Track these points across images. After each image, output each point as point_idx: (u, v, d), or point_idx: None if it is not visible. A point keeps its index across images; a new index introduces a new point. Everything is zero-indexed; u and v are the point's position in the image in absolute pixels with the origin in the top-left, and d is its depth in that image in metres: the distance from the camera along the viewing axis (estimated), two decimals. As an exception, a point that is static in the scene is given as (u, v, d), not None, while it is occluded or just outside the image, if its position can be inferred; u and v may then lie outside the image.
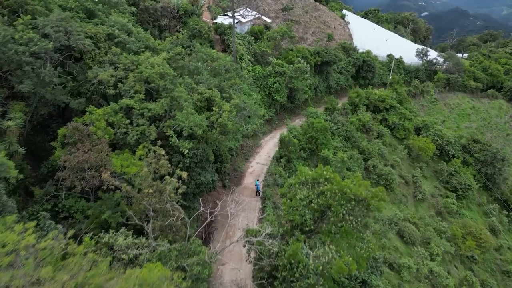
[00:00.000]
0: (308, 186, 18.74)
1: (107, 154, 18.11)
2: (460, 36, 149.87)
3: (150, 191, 16.42)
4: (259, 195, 32.50)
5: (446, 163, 55.53)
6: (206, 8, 56.13)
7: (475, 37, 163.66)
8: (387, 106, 57.10)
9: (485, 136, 63.70)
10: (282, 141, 39.55)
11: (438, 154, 56.68)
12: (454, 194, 52.30)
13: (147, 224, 16.18)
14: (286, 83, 47.22)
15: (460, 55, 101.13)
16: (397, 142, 56.85)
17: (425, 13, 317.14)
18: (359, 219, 17.39)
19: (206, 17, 54.76)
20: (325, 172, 18.55)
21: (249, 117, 30.20)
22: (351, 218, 17.29)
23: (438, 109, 68.17)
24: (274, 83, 46.22)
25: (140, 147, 19.88)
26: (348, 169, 41.83)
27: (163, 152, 17.10)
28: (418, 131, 59.07)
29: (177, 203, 20.23)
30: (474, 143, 57.50)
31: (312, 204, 17.86)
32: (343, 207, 17.26)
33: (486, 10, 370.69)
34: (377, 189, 17.52)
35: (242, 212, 30.47)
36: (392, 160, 51.71)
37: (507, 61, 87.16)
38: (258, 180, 33.29)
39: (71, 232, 11.15)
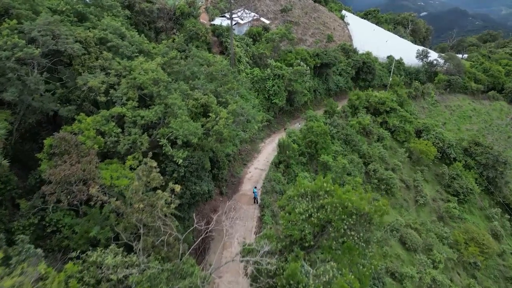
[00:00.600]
0: (307, 198, 17.86)
1: (96, 166, 17.19)
2: (460, 37, 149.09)
3: (141, 205, 15.51)
4: (257, 203, 31.61)
5: (447, 167, 54.73)
6: (203, 10, 55.18)
7: (474, 37, 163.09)
8: (388, 109, 56.25)
9: (486, 139, 62.92)
10: (281, 146, 38.67)
11: (439, 157, 55.88)
12: (456, 198, 51.50)
13: (137, 242, 15.28)
14: (285, 86, 46.34)
15: (460, 55, 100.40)
16: (398, 145, 56.03)
17: (424, 13, 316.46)
18: (361, 234, 16.53)
19: (203, 18, 53.84)
20: (325, 184, 17.66)
21: (247, 121, 29.27)
22: (352, 233, 16.41)
23: (438, 111, 67.38)
24: (273, 86, 45.34)
25: (130, 157, 18.97)
26: (348, 174, 40.98)
27: (154, 164, 16.20)
28: (419, 133, 58.26)
29: (171, 214, 19.38)
30: (475, 146, 56.70)
31: (312, 219, 16.97)
32: (345, 221, 16.37)
33: (485, 10, 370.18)
34: (380, 203, 16.65)
35: (239, 221, 29.64)
36: (393, 164, 50.85)
37: (507, 62, 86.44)
38: (255, 187, 32.39)
39: (42, 267, 10.15)
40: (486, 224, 51.98)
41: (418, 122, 59.31)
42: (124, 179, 18.53)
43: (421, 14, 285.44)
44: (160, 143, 20.77)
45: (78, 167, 16.21)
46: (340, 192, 16.89)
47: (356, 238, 16.37)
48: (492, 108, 71.39)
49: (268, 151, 41.56)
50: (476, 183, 53.94)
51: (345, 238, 16.51)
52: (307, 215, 17.22)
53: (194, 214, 25.94)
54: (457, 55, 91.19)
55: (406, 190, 50.29)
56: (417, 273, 33.13)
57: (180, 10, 46.18)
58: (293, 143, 39.05)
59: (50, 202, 16.21)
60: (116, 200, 20.36)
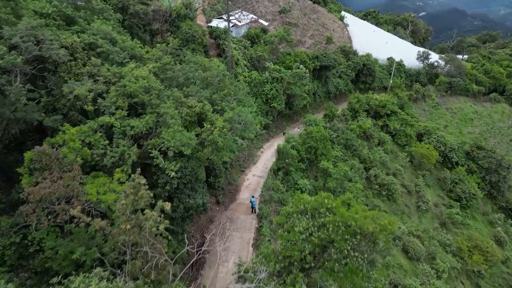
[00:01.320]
0: (307, 216, 16.70)
1: (80, 182, 16.01)
2: (459, 37, 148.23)
3: (128, 226, 14.34)
4: (255, 212, 30.44)
5: (449, 171, 53.69)
6: (200, 11, 54.03)
7: (474, 37, 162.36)
8: (388, 112, 55.18)
9: (488, 142, 61.88)
10: (280, 152, 37.53)
11: (441, 161, 54.82)
12: (458, 204, 50.46)
13: (124, 265, 14.12)
14: (284, 89, 45.20)
15: (460, 56, 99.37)
16: (399, 149, 54.96)
17: (423, 13, 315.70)
18: (366, 255, 15.37)
19: (200, 20, 52.65)
20: (326, 201, 16.51)
21: (244, 130, 28.07)
22: (356, 254, 15.25)
23: (440, 114, 66.34)
24: (271, 89, 44.19)
25: (118, 170, 17.78)
26: (349, 180, 39.87)
27: (143, 181, 15.03)
28: (420, 137, 57.23)
29: (164, 229, 18.20)
30: (477, 149, 55.64)
31: (313, 238, 15.82)
32: (348, 242, 15.23)
33: (484, 10, 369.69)
34: (386, 222, 15.50)
35: (236, 232, 28.47)
36: (394, 169, 49.78)
37: (508, 64, 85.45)
38: (253, 196, 31.23)
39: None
40: (489, 229, 50.94)
41: (419, 125, 58.25)
42: (112, 193, 17.36)
43: (420, 14, 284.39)
44: (151, 154, 19.58)
45: (60, 184, 15.02)
46: (342, 209, 15.73)
47: (360, 259, 15.22)
48: (494, 111, 70.39)
49: (266, 156, 40.40)
50: (478, 187, 52.92)
51: (348, 259, 15.35)
52: (307, 234, 16.08)
53: (188, 229, 24.92)
54: (457, 56, 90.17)
55: (408, 196, 49.22)
56: (420, 284, 32.02)
57: (176, 12, 44.96)
58: (292, 149, 37.91)
59: (30, 222, 15.00)
60: (104, 216, 19.36)
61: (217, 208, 31.13)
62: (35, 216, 14.54)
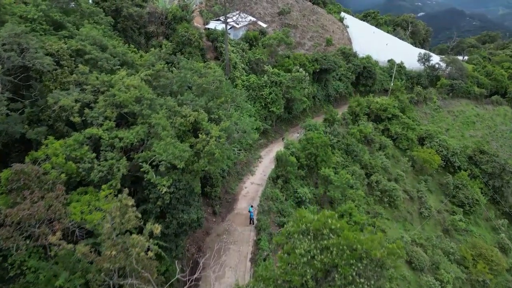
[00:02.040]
0: (309, 237, 15.53)
1: (63, 203, 14.78)
2: (458, 37, 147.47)
3: (113, 252, 13.14)
4: (253, 223, 29.25)
5: (451, 176, 52.61)
6: (197, 13, 52.78)
7: (473, 38, 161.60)
8: (389, 115, 54.07)
9: (490, 145, 60.84)
10: (279, 159, 36.37)
11: (443, 166, 53.71)
12: (461, 210, 49.37)
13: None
14: (283, 93, 44.01)
15: (460, 57, 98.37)
16: (400, 153, 53.84)
17: (422, 13, 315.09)
18: (372, 282, 14.22)
19: (197, 22, 51.42)
20: (329, 221, 15.34)
21: (244, 132, 26.74)
22: (362, 280, 14.10)
23: (441, 117, 65.28)
24: (270, 93, 42.99)
25: (105, 186, 16.58)
26: (350, 187, 38.72)
27: (130, 202, 13.83)
28: (421, 141, 56.14)
29: (156, 245, 16.98)
30: (480, 154, 54.59)
31: (315, 262, 14.64)
32: (353, 267, 14.07)
33: (483, 10, 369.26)
34: (394, 245, 14.36)
35: (233, 245, 27.26)
36: (396, 174, 48.66)
37: (510, 65, 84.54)
38: (251, 206, 30.00)
39: None
40: (492, 236, 49.88)
41: (421, 129, 57.16)
42: (97, 212, 16.14)
43: (419, 15, 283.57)
44: (142, 169, 18.36)
45: (41, 205, 13.80)
46: (347, 232, 14.55)
47: (366, 286, 14.06)
48: (496, 113, 69.39)
49: (265, 163, 39.21)
50: (481, 192, 51.87)
51: (353, 286, 14.19)
52: (309, 257, 14.90)
53: (183, 243, 23.69)
54: (457, 57, 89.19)
55: (410, 202, 48.10)
56: (425, 297, 30.90)
57: (172, 14, 43.74)
58: (292, 156, 36.74)
59: (7, 246, 13.78)
60: (92, 233, 18.13)
61: (214, 219, 29.92)
62: (12, 241, 13.29)
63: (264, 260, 24.54)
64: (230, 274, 24.09)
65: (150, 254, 13.61)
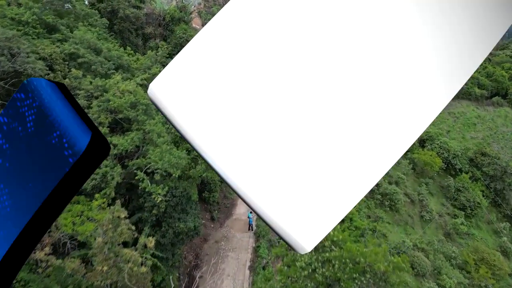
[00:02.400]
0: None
1: (54, 214, 14.18)
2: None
3: (105, 268, 12.56)
4: (252, 230, 28.68)
5: (452, 178, 52.11)
6: (196, 14, 52.29)
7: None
8: (390, 118, 53.52)
9: (492, 147, 60.34)
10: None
11: (444, 168, 53.23)
12: (463, 213, 48.87)
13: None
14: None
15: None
16: (401, 156, 53.30)
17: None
18: (376, 297, 13.69)
19: (196, 23, 50.91)
20: (331, 232, 14.79)
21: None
22: (365, 295, 13.56)
23: (442, 118, 64.74)
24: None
25: (98, 195, 16.00)
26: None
27: (123, 214, 13.28)
28: (422, 143, 55.62)
29: (152, 255, 16.46)
30: (482, 156, 54.10)
31: (316, 275, 14.10)
32: (356, 281, 13.53)
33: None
34: (399, 259, 13.83)
35: (232, 253, 26.70)
36: (396, 177, 48.17)
37: (510, 66, 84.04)
38: (251, 212, 29.42)
39: None
40: (494, 239, 49.40)
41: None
42: (90, 223, 15.53)
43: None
44: (136, 177, 17.78)
45: (30, 218, 13.18)
46: (350, 244, 14.01)
47: (369, 301, 13.53)
48: (497, 115, 68.91)
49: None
50: (483, 195, 51.37)
51: (356, 301, 13.65)
52: (310, 270, 14.35)
53: (179, 251, 23.12)
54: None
55: (411, 205, 47.61)
56: (427, 304, 30.33)
57: (170, 15, 43.22)
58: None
59: None
60: (84, 244, 17.57)
61: (212, 225, 29.35)
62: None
63: (263, 268, 23.97)
64: (229, 283, 23.52)
65: (143, 269, 13.02)
